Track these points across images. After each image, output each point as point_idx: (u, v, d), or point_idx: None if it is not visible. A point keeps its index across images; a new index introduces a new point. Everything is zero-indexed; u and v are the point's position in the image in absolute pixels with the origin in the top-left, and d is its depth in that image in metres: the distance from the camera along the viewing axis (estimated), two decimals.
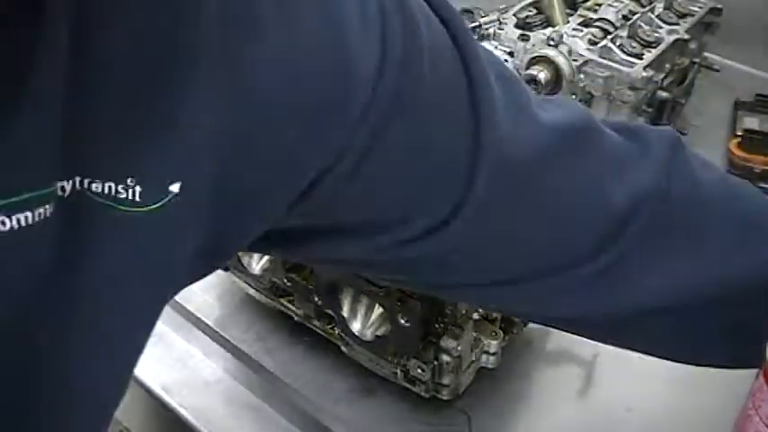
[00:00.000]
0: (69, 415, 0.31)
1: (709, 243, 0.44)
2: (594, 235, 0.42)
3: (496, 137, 0.38)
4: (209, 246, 0.32)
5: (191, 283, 0.35)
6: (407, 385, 0.62)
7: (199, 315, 0.71)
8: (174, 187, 0.28)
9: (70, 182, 0.27)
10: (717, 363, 0.51)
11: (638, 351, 0.51)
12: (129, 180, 0.28)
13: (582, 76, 0.80)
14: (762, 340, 0.45)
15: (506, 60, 0.81)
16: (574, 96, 0.79)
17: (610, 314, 0.45)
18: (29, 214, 0.26)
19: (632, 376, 0.67)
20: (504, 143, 0.38)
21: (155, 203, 0.28)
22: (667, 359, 0.52)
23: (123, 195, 0.28)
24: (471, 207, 0.38)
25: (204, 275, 0.36)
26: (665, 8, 0.92)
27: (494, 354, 0.62)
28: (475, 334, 0.60)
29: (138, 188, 0.28)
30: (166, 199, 0.28)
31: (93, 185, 0.27)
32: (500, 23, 0.84)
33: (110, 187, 0.27)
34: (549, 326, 0.53)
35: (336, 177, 0.34)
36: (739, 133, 0.92)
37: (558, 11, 0.86)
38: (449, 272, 0.43)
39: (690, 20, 0.91)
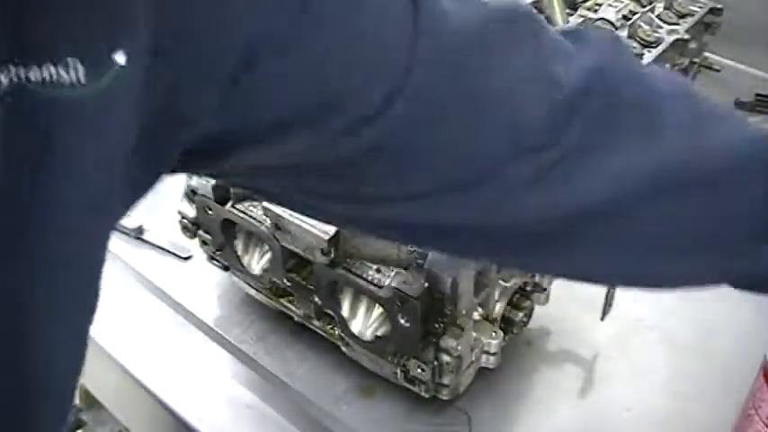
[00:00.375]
0: (27, 349, 0.30)
1: (662, 131, 0.42)
2: (542, 122, 0.40)
3: (436, 14, 0.37)
4: (147, 142, 0.31)
5: (133, 202, 0.34)
6: (407, 385, 0.62)
7: (199, 315, 0.72)
8: (119, 57, 0.28)
9: (6, 73, 0.26)
10: (661, 281, 0.49)
11: (589, 278, 0.48)
12: (69, 60, 0.27)
13: None
14: (720, 252, 0.44)
15: None
16: None
17: (561, 216, 0.42)
18: None
19: (632, 376, 0.67)
20: (445, 20, 0.37)
21: (99, 80, 0.27)
22: (612, 282, 0.49)
23: (66, 78, 0.27)
24: (410, 94, 0.36)
25: (144, 190, 0.35)
26: (665, 8, 0.92)
27: (494, 354, 0.62)
28: (475, 334, 0.60)
29: (80, 67, 0.27)
30: (111, 73, 0.28)
31: (32, 74, 0.26)
32: None
33: (50, 72, 0.26)
34: (505, 259, 0.48)
35: (267, 59, 0.33)
36: None
37: (558, 11, 0.85)
38: (387, 177, 0.40)
39: (690, 20, 0.91)
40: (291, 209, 0.55)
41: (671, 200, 0.43)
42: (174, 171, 0.36)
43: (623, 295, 0.66)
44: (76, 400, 1.17)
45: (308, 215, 0.53)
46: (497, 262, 0.52)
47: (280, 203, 0.54)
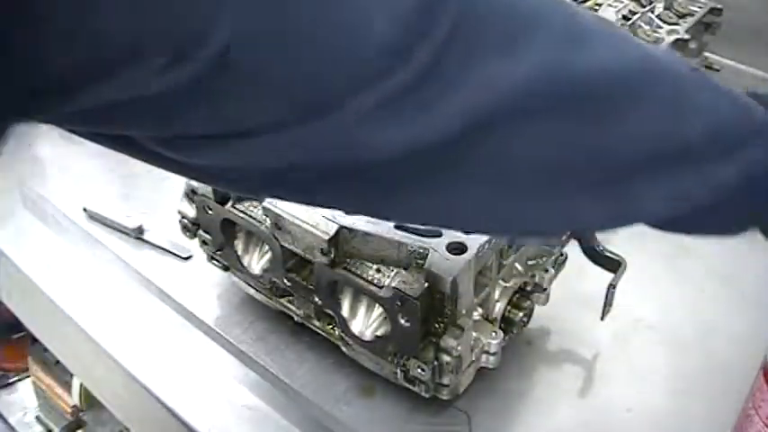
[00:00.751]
0: None
1: (528, 45, 0.38)
2: (386, 42, 0.36)
3: None
4: None
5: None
6: (407, 385, 0.62)
7: (199, 315, 0.72)
8: None
9: None
10: (538, 223, 0.44)
11: (455, 222, 0.44)
12: None
13: None
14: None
15: None
16: None
17: (421, 148, 0.38)
18: None
19: (632, 376, 0.67)
20: None
21: None
22: (487, 228, 0.46)
23: None
24: (234, 10, 0.33)
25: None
26: (665, 8, 0.92)
27: (494, 354, 0.62)
28: (475, 334, 0.60)
29: None
30: None
31: None
32: None
33: None
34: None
35: None
36: None
37: None
38: (235, 106, 0.36)
39: (690, 20, 0.91)
40: (163, 167, 0.49)
41: (543, 122, 0.38)
42: (25, 117, 0.34)
43: (623, 295, 0.66)
44: (76, 400, 1.17)
45: (176, 171, 0.48)
46: (352, 207, 0.46)
47: (147, 160, 0.49)
